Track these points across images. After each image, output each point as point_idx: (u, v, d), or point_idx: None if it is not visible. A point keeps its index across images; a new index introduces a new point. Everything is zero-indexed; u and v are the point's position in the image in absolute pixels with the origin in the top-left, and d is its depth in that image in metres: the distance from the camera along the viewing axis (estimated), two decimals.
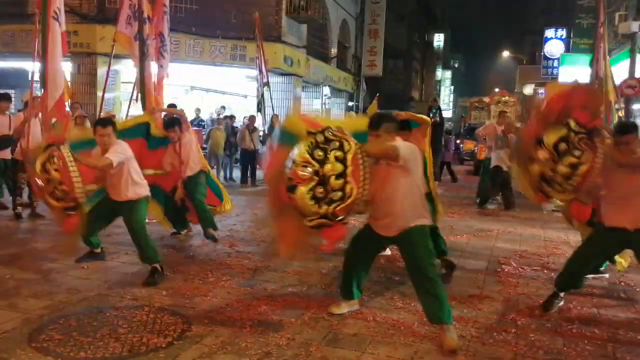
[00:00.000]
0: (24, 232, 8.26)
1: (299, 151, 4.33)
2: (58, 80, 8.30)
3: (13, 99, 10.02)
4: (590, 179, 4.95)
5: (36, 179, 5.57)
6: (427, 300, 4.51)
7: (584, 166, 4.89)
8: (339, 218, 4.31)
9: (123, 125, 7.00)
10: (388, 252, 7.03)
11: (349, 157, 4.29)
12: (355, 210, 4.48)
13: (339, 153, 4.29)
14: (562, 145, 4.92)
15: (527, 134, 5.29)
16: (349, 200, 4.26)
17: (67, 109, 10.07)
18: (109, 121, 5.99)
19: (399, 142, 4.56)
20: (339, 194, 4.26)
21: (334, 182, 4.25)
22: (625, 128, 4.95)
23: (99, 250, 6.58)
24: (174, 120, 7.62)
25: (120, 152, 5.74)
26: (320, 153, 4.29)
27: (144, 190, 6.12)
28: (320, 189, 4.26)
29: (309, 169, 4.27)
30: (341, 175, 4.26)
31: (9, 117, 9.19)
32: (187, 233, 8.10)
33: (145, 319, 4.76)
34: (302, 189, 4.26)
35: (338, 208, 4.26)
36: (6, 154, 9.07)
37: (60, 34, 8.12)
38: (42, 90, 8.27)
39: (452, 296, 5.63)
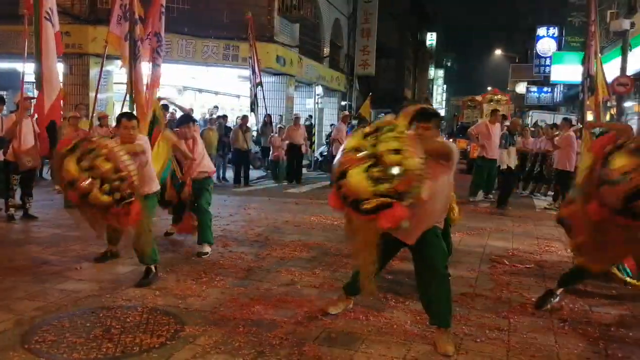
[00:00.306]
0: (16, 234, 8.23)
1: (347, 142, 4.10)
2: (54, 81, 8.28)
3: (5, 100, 9.96)
4: None
5: (83, 183, 5.06)
6: (435, 301, 4.44)
7: None
8: (401, 193, 3.90)
9: None
10: None
11: (402, 133, 3.99)
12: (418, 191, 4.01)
13: (391, 133, 3.98)
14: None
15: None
16: (409, 173, 3.87)
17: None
18: (133, 115, 6.08)
19: (445, 140, 4.55)
20: (397, 168, 3.85)
21: (391, 158, 3.85)
22: None
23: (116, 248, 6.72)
24: (188, 116, 7.55)
25: (146, 141, 5.85)
26: (371, 139, 4.00)
27: (157, 185, 6.19)
28: (375, 169, 3.86)
29: (361, 152, 3.95)
30: (398, 151, 3.88)
31: (1, 118, 9.16)
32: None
33: (138, 320, 4.76)
34: (355, 170, 3.89)
35: (398, 183, 3.86)
36: None
37: (54, 34, 8.09)
38: (37, 91, 8.24)
39: None
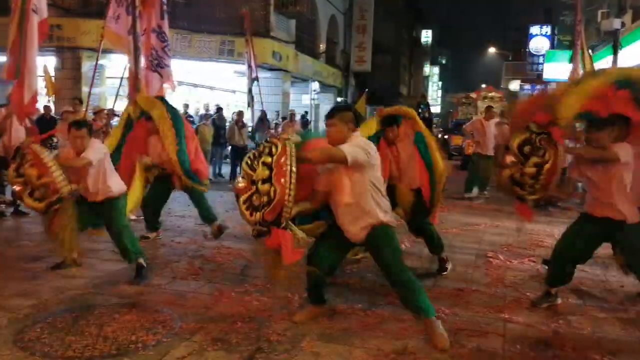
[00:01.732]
0: (7, 230, 8.15)
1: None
2: (35, 73, 8.18)
3: None
4: (554, 177, 5.03)
5: (14, 187, 5.52)
6: (406, 296, 4.48)
7: (548, 164, 4.96)
8: (270, 222, 4.19)
9: None
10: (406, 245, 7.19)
11: (274, 160, 4.17)
12: (289, 214, 4.25)
13: (268, 159, 4.21)
14: (526, 148, 5.02)
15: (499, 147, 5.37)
16: (274, 203, 4.11)
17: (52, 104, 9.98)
18: (83, 123, 5.88)
19: (353, 139, 4.41)
20: (265, 198, 4.17)
21: (262, 187, 4.17)
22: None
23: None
24: None
25: (98, 150, 5.68)
26: (256, 163, 4.30)
27: (122, 186, 6.04)
28: (256, 197, 4.23)
29: (244, 180, 4.34)
30: (267, 179, 4.16)
31: None
32: (156, 237, 7.75)
33: (133, 317, 4.71)
34: (240, 200, 4.34)
35: (265, 212, 4.16)
36: None
37: (41, 21, 7.97)
38: (16, 83, 8.10)
39: (440, 290, 5.68)
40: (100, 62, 15.20)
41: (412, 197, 6.07)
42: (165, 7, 8.88)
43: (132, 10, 8.20)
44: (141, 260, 5.85)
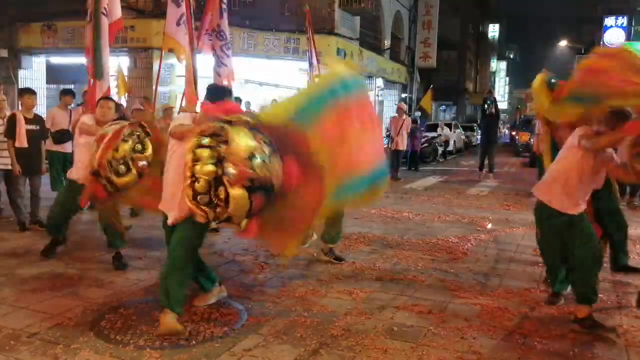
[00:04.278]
0: (83, 223, 8.44)
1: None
2: (107, 73, 8.47)
3: (74, 93, 10.23)
4: None
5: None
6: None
7: None
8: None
9: None
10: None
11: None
12: None
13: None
14: None
15: None
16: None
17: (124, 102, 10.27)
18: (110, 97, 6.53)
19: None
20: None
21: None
22: None
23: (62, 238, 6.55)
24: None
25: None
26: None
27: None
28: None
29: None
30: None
31: (70, 111, 9.41)
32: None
33: (202, 309, 4.82)
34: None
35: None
36: (66, 147, 9.30)
37: (116, 21, 8.24)
38: (92, 83, 8.39)
39: (507, 290, 5.57)
40: (171, 61, 15.57)
41: None
42: (224, 5, 8.98)
43: (186, 2, 8.28)
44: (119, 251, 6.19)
